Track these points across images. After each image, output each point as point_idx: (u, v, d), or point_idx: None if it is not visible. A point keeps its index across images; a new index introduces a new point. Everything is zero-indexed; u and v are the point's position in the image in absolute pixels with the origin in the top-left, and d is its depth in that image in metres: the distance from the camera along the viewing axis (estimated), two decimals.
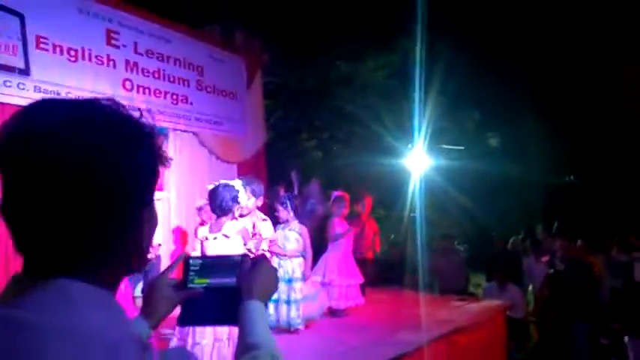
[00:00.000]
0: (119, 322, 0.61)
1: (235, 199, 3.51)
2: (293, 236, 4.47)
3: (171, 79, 6.24)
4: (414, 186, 8.79)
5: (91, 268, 0.62)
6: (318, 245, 5.46)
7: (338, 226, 5.21)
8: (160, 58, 6.13)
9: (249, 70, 7.44)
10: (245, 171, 6.58)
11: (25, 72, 4.81)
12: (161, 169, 0.70)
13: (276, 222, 4.58)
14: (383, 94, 8.82)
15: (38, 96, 4.89)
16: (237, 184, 3.59)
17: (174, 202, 6.18)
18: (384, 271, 7.22)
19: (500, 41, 11.41)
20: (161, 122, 6.05)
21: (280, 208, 4.53)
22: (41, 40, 4.95)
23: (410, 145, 9.08)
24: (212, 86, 6.80)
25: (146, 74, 5.93)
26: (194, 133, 6.54)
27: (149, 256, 4.02)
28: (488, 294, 6.53)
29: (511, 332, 5.71)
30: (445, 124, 9.41)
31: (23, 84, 4.78)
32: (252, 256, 1.07)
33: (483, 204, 10.32)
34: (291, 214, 4.54)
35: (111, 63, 5.56)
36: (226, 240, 3.46)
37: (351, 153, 8.89)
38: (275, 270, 1.03)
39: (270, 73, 8.26)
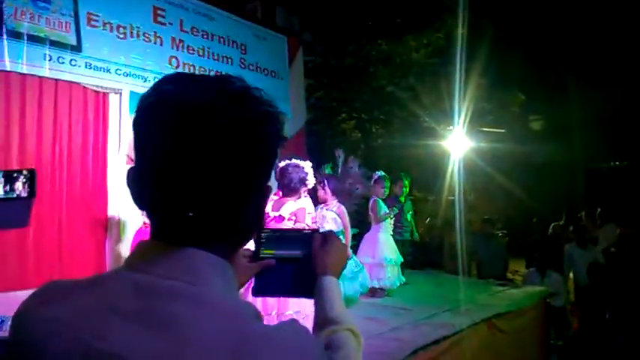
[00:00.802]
0: (236, 292, 0.65)
1: (303, 181, 3.53)
2: (330, 216, 4.48)
3: (215, 57, 6.29)
4: (454, 168, 8.66)
5: (217, 239, 0.65)
6: (359, 226, 5.48)
7: (381, 206, 5.21)
8: (205, 36, 6.18)
9: (290, 48, 7.42)
10: (286, 150, 6.60)
11: (77, 48, 4.92)
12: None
13: (317, 202, 4.59)
14: (423, 74, 8.66)
15: (89, 72, 5.02)
16: (307, 165, 3.59)
17: None
18: (421, 254, 7.20)
19: (544, 21, 11.00)
20: None
21: (319, 188, 4.53)
22: (92, 17, 5.05)
23: (450, 127, 8.92)
24: (255, 64, 6.82)
25: (191, 52, 5.99)
26: None
27: None
28: (529, 280, 6.43)
29: (551, 319, 5.64)
30: (487, 106, 9.19)
31: (75, 60, 4.90)
32: (321, 231, 1.07)
33: (524, 188, 10.11)
34: (330, 194, 4.55)
35: (158, 40, 5.64)
36: (283, 220, 3.50)
37: (390, 134, 8.81)
38: (345, 246, 1.05)
39: (311, 52, 8.22)
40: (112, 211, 5.14)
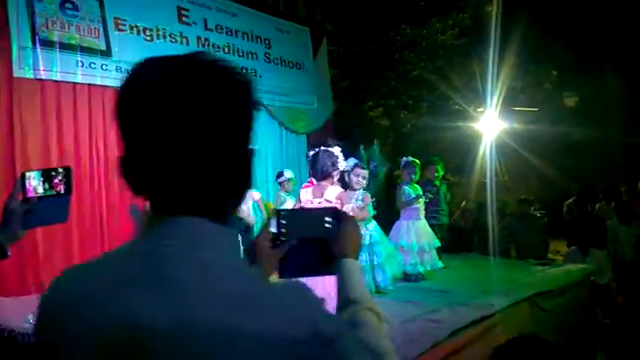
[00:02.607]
0: (239, 254, 0.69)
1: (335, 165, 3.65)
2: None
3: (240, 54, 6.36)
4: (486, 150, 8.50)
5: (213, 206, 0.69)
6: (390, 212, 5.46)
7: (407, 192, 5.17)
8: (229, 33, 6.25)
9: (313, 40, 7.42)
10: (315, 141, 6.63)
11: (107, 53, 5.07)
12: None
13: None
14: (451, 56, 8.51)
15: (120, 76, 5.13)
16: (337, 150, 3.70)
17: None
18: (456, 238, 7.12)
19: None
20: None
21: (351, 174, 4.55)
22: (119, 21, 5.19)
23: (481, 108, 8.75)
24: (279, 58, 6.86)
25: (217, 49, 6.07)
26: (264, 106, 6.66)
27: (250, 218, 4.18)
28: (570, 259, 6.27)
29: (596, 298, 5.49)
30: (519, 84, 8.96)
31: (106, 65, 5.04)
32: (336, 211, 1.09)
33: (560, 167, 9.83)
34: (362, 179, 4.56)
35: (184, 40, 5.75)
36: (328, 205, 3.56)
37: (419, 119, 8.70)
38: (359, 228, 1.06)
39: (335, 42, 8.19)
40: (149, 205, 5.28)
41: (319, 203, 3.59)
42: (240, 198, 0.75)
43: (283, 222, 1.06)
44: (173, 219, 0.66)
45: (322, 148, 3.75)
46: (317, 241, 1.04)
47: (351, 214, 3.78)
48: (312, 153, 3.82)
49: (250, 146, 0.73)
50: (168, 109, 0.64)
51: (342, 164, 3.76)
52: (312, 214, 1.11)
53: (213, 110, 0.66)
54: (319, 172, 3.66)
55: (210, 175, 0.67)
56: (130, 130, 0.68)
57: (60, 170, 1.38)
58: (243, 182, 0.73)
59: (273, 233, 1.05)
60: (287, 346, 0.58)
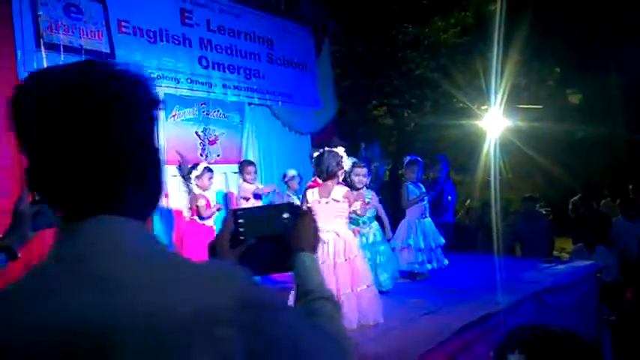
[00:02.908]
0: (155, 240, 0.71)
1: (340, 164, 3.67)
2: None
3: (243, 54, 6.37)
4: (490, 149, 8.49)
5: (120, 204, 0.70)
6: (395, 210, 5.46)
7: (411, 191, 5.16)
8: (232, 34, 6.27)
9: (316, 39, 7.43)
10: (318, 141, 6.64)
11: (111, 56, 5.08)
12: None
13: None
14: (454, 54, 8.51)
15: None
16: (341, 150, 3.73)
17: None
18: (461, 236, 7.11)
19: None
20: (237, 97, 6.23)
21: (356, 174, 4.58)
22: (122, 24, 5.21)
23: (484, 106, 8.74)
24: (282, 58, 6.87)
25: (219, 51, 6.09)
26: (267, 106, 6.67)
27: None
28: (576, 256, 6.25)
29: (603, 294, 5.47)
30: (522, 82, 8.95)
31: None
32: (293, 206, 1.10)
33: (564, 165, 9.81)
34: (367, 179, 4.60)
35: (187, 42, 5.76)
36: (336, 204, 3.61)
37: (423, 117, 8.70)
38: (316, 222, 1.07)
39: (337, 41, 8.20)
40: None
41: (327, 203, 3.61)
42: (153, 194, 0.76)
43: (240, 221, 1.06)
44: (89, 221, 0.68)
45: (326, 148, 3.77)
46: (275, 238, 1.05)
47: (356, 209, 3.84)
48: (316, 154, 3.83)
49: (154, 145, 0.74)
50: (65, 116, 0.66)
51: (347, 164, 3.78)
52: (269, 211, 1.11)
53: (109, 113, 0.67)
54: (324, 172, 3.68)
55: (115, 175, 0.69)
56: (29, 141, 0.69)
57: None
58: (150, 180, 0.74)
59: (232, 232, 1.06)
60: (218, 316, 0.61)
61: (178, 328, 0.59)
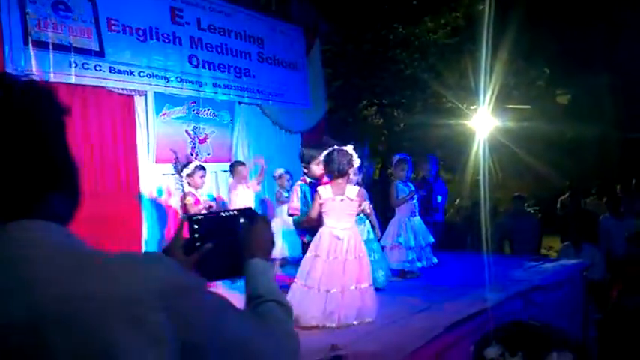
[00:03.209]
0: (76, 240, 0.73)
1: (350, 163, 3.69)
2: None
3: (234, 53, 6.37)
4: (479, 148, 8.55)
5: (40, 213, 0.71)
6: (385, 209, 5.49)
7: (400, 189, 5.19)
8: (222, 33, 6.26)
9: (307, 39, 7.45)
10: (308, 140, 6.66)
11: (100, 54, 5.06)
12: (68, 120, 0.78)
13: None
14: (444, 55, 8.56)
15: (113, 76, 5.15)
16: (350, 148, 3.75)
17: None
18: (450, 235, 7.16)
19: None
20: (227, 96, 6.23)
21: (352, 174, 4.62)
22: (112, 22, 5.19)
23: (474, 106, 8.81)
24: (273, 57, 6.87)
25: (210, 49, 6.08)
26: (258, 105, 6.67)
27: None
28: (564, 254, 6.32)
29: (589, 293, 5.53)
30: (511, 81, 9.03)
31: (99, 65, 5.04)
32: (249, 212, 1.10)
33: (554, 165, 9.90)
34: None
35: (177, 40, 5.75)
36: (350, 202, 3.65)
37: (413, 117, 8.75)
38: (270, 227, 1.08)
39: (328, 41, 8.22)
40: (146, 205, 5.30)
41: (342, 201, 3.65)
42: (73, 198, 0.78)
43: (196, 227, 1.06)
44: (10, 225, 0.68)
45: (336, 147, 3.79)
46: (231, 244, 1.05)
47: (365, 208, 3.88)
48: (325, 152, 3.83)
49: (69, 151, 0.76)
50: None
51: (357, 162, 3.81)
52: (226, 217, 1.10)
53: (24, 125, 0.69)
54: (335, 171, 3.70)
55: (35, 182, 0.71)
56: None
57: None
58: (68, 184, 0.76)
59: (187, 239, 1.05)
60: (140, 301, 0.63)
61: (101, 314, 0.61)
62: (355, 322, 3.38)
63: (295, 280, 3.60)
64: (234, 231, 1.06)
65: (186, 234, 1.08)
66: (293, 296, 3.42)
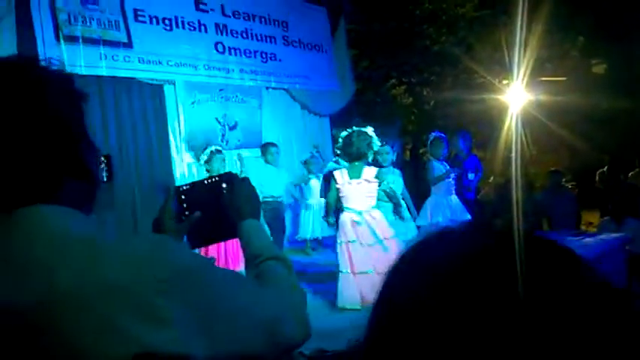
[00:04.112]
0: (91, 225, 0.73)
1: (370, 145, 3.63)
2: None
3: (259, 38, 6.34)
4: (512, 123, 8.33)
5: (56, 198, 0.71)
6: (417, 189, 5.42)
7: (436, 168, 5.11)
8: (246, 18, 6.23)
9: (332, 19, 7.35)
10: (337, 122, 6.61)
11: (129, 45, 5.12)
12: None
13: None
14: (473, 28, 8.32)
15: (142, 67, 5.21)
16: (370, 130, 3.69)
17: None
18: (486, 212, 7.03)
19: None
20: (254, 81, 6.22)
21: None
22: (138, 12, 5.23)
23: (506, 81, 8.56)
24: (298, 40, 6.82)
25: (235, 35, 6.07)
26: (285, 89, 6.65)
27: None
28: (605, 229, 6.13)
29: (632, 267, 5.37)
30: (544, 54, 8.72)
31: (128, 56, 5.10)
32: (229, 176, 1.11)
33: (590, 138, 9.57)
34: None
35: (202, 28, 5.76)
36: (367, 184, 3.62)
37: (443, 94, 8.56)
38: (252, 187, 1.08)
39: (353, 20, 8.09)
40: None
41: (358, 184, 3.62)
42: (90, 184, 0.77)
43: (183, 197, 1.08)
44: (23, 211, 0.68)
45: (355, 129, 3.73)
46: (218, 208, 1.07)
47: (387, 188, 3.83)
48: (344, 134, 3.80)
49: (88, 136, 0.76)
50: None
51: (376, 144, 3.75)
52: (209, 184, 1.12)
53: (44, 106, 0.69)
54: (354, 153, 3.65)
55: (52, 167, 0.70)
56: None
57: (101, 159, 1.43)
58: (85, 170, 0.75)
59: (176, 209, 1.07)
60: (147, 285, 0.64)
61: (111, 300, 0.62)
62: None
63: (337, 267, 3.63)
64: (220, 196, 1.08)
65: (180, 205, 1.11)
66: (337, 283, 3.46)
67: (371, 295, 3.18)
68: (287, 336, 0.79)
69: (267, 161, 5.44)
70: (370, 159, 3.83)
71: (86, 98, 0.76)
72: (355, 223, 3.54)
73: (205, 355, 0.66)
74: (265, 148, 5.52)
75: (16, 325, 0.62)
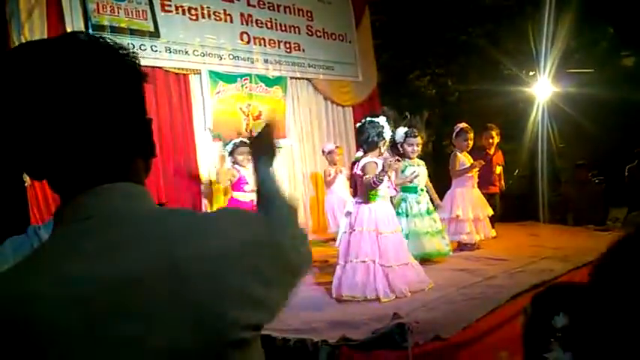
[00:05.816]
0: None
1: (381, 135, 3.62)
2: (422, 171, 4.56)
3: (283, 28, 6.34)
4: (538, 116, 8.19)
5: (127, 176, 0.73)
6: (440, 182, 5.37)
7: (462, 160, 5.06)
8: (271, 8, 6.24)
9: (356, 10, 7.31)
10: (360, 114, 6.58)
11: (156, 34, 5.17)
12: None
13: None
14: (499, 18, 8.16)
15: (169, 56, 5.26)
16: (382, 120, 3.67)
17: (296, 148, 6.42)
18: (511, 206, 6.94)
19: None
20: (278, 71, 6.23)
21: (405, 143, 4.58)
22: (165, 2, 5.27)
23: (532, 72, 8.39)
24: (322, 30, 6.80)
25: (260, 25, 6.08)
26: (309, 80, 6.65)
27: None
28: (632, 224, 6.01)
29: None
30: (572, 45, 8.52)
31: (155, 46, 5.15)
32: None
33: (619, 131, 9.36)
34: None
35: (228, 18, 5.78)
36: (359, 177, 3.61)
37: (468, 86, 8.44)
38: (273, 134, 1.21)
39: (377, 11, 8.02)
40: (205, 181, 5.45)
41: (358, 174, 3.63)
42: (150, 161, 0.80)
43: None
44: (95, 190, 0.69)
45: (367, 118, 3.71)
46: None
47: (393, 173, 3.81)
48: (359, 125, 3.81)
49: (144, 116, 0.77)
50: (55, 89, 0.66)
51: (389, 134, 3.71)
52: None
53: (96, 85, 0.68)
54: (365, 143, 3.65)
55: (123, 145, 0.72)
56: (19, 117, 0.68)
57: None
58: (148, 147, 0.78)
59: None
60: (249, 249, 0.72)
61: (226, 266, 0.68)
62: (408, 294, 3.37)
63: None
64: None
65: None
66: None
67: (398, 286, 3.16)
68: (293, 263, 0.84)
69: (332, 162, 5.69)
70: (383, 149, 3.77)
71: (147, 78, 0.78)
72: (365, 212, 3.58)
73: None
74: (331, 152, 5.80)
75: (146, 286, 0.63)
